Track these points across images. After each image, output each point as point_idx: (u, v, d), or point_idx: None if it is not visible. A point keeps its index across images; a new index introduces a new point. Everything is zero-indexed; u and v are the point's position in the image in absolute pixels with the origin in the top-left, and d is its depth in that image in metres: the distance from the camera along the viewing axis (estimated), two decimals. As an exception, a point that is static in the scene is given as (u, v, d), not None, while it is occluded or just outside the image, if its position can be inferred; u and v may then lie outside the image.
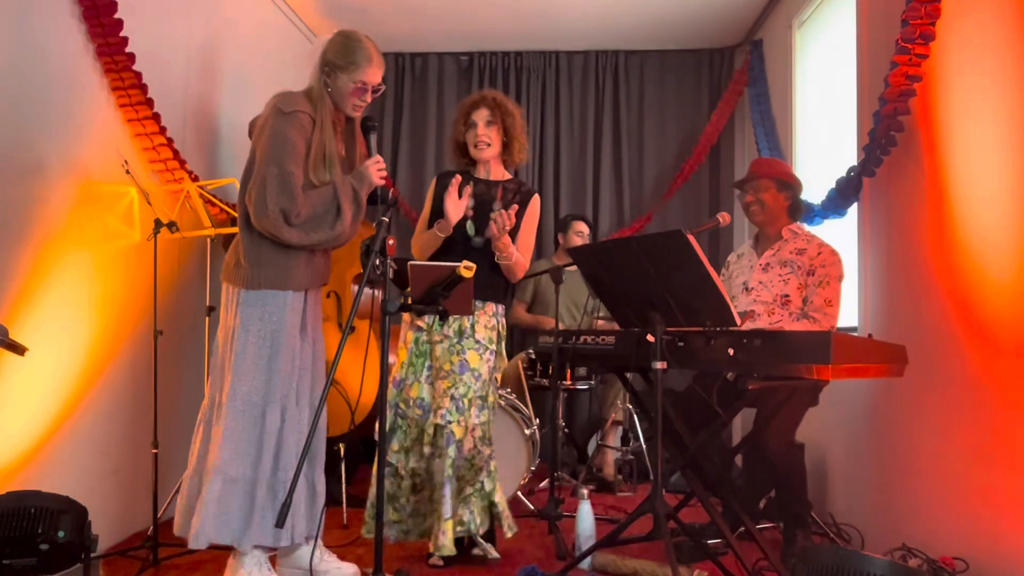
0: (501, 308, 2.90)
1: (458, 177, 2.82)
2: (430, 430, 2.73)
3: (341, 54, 2.46)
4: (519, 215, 2.87)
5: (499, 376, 2.90)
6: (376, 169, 2.44)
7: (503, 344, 2.90)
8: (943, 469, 2.57)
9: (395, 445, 2.78)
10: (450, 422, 2.70)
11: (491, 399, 2.82)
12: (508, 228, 2.72)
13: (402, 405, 2.80)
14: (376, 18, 4.77)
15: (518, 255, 2.84)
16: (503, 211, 2.73)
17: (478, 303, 2.79)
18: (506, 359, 2.93)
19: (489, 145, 2.85)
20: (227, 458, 2.35)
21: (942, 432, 2.58)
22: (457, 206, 2.77)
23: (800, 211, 3.16)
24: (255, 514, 2.34)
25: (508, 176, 2.97)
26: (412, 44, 5.35)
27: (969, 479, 2.42)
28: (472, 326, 2.79)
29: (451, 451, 2.70)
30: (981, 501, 2.36)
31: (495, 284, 2.86)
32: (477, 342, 2.78)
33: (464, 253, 2.75)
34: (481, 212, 2.84)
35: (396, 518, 2.82)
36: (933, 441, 2.63)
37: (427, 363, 2.82)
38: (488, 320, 2.83)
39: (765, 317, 2.97)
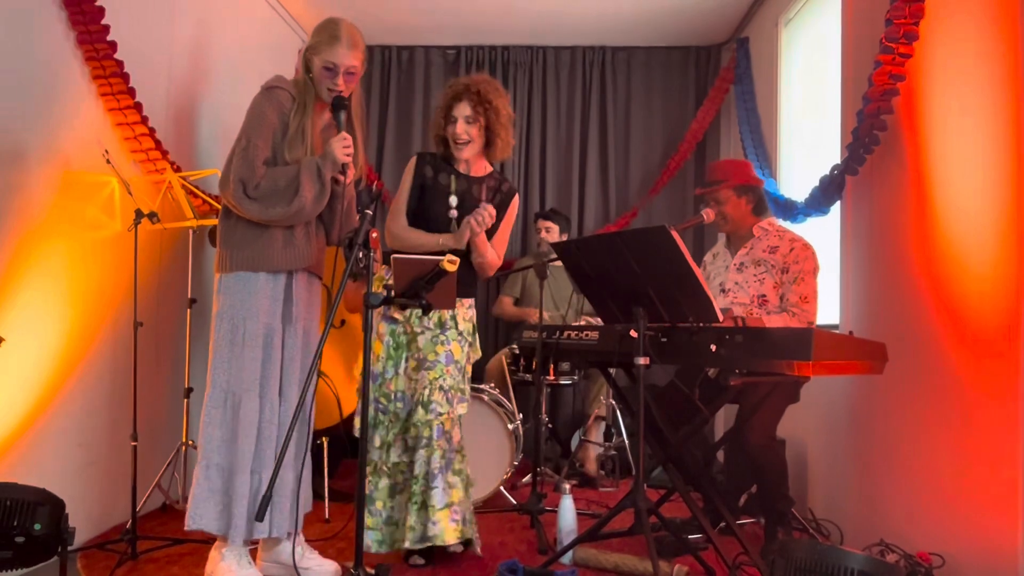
0: (473, 302, 2.90)
1: (485, 215, 2.69)
2: (414, 419, 2.69)
3: (316, 36, 2.47)
4: (499, 215, 2.84)
5: (470, 368, 2.89)
6: (341, 147, 2.38)
7: (476, 336, 2.90)
8: (921, 466, 2.59)
9: (376, 440, 2.74)
10: (441, 414, 2.68)
11: (467, 391, 2.84)
12: (488, 225, 2.70)
13: (383, 400, 2.75)
14: (362, 10, 4.74)
15: (492, 253, 2.83)
16: (487, 206, 2.70)
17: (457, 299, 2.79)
18: (479, 351, 2.92)
19: (469, 143, 2.77)
20: (210, 445, 2.35)
21: (921, 429, 2.60)
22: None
23: (766, 208, 3.18)
24: (233, 506, 2.32)
25: (489, 169, 2.92)
26: (398, 37, 5.33)
27: (947, 475, 2.45)
28: (453, 318, 2.78)
29: (443, 443, 2.68)
30: (958, 497, 2.39)
31: (470, 279, 2.85)
32: (459, 334, 2.78)
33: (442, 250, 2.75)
34: (463, 210, 2.80)
35: (370, 523, 2.73)
36: (912, 438, 2.65)
37: (405, 355, 2.78)
38: (466, 312, 2.83)
39: (753, 318, 2.99)
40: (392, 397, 2.75)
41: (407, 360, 2.78)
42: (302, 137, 2.42)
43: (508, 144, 2.84)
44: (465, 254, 2.78)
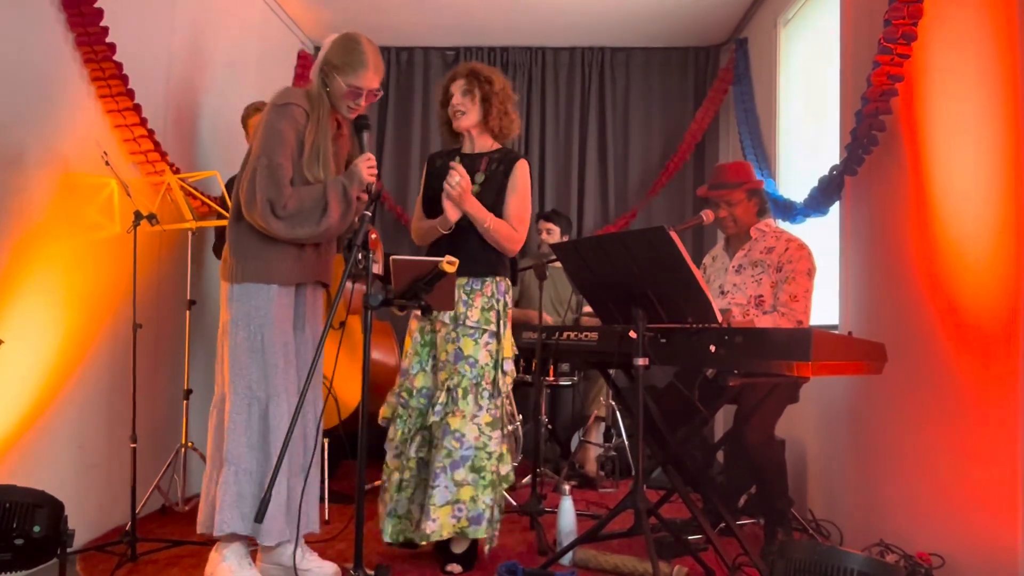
0: (503, 284, 2.80)
1: (453, 173, 2.68)
2: (430, 420, 2.69)
3: (339, 55, 2.45)
4: (503, 183, 2.79)
5: (508, 356, 2.78)
6: (367, 166, 2.41)
7: (504, 323, 2.77)
8: (921, 466, 2.59)
9: (393, 433, 2.77)
10: (446, 414, 2.66)
11: (500, 384, 2.72)
12: (459, 185, 2.64)
13: (404, 394, 2.77)
14: (361, 11, 4.74)
15: (500, 222, 2.74)
16: (455, 165, 2.67)
17: (474, 281, 2.73)
18: (511, 339, 2.83)
19: (465, 113, 2.80)
20: (237, 451, 2.35)
21: (920, 429, 2.60)
22: (457, 207, 2.68)
23: (767, 210, 3.20)
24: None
25: (497, 146, 2.89)
26: (397, 38, 5.33)
27: (946, 476, 2.45)
28: (465, 312, 2.72)
29: (447, 442, 2.63)
30: (958, 498, 2.39)
31: (488, 258, 2.77)
32: (471, 328, 2.71)
33: (456, 231, 2.72)
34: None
35: (382, 512, 2.78)
36: (911, 438, 2.66)
37: (431, 352, 2.80)
38: (485, 302, 2.74)
39: (740, 319, 2.99)
40: (414, 392, 2.77)
41: (433, 358, 2.79)
42: (318, 154, 2.44)
43: (508, 116, 2.84)
44: (477, 231, 2.74)
